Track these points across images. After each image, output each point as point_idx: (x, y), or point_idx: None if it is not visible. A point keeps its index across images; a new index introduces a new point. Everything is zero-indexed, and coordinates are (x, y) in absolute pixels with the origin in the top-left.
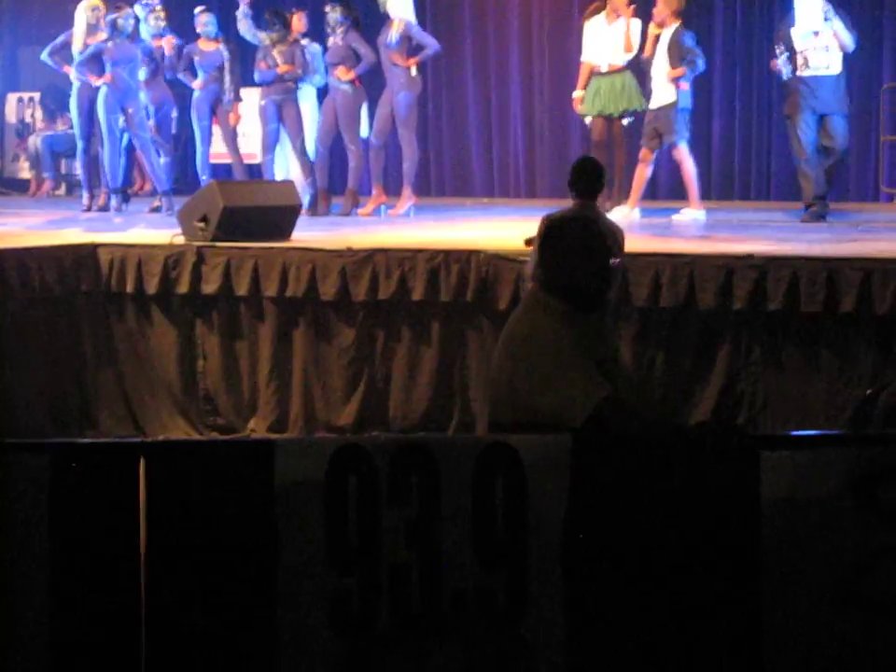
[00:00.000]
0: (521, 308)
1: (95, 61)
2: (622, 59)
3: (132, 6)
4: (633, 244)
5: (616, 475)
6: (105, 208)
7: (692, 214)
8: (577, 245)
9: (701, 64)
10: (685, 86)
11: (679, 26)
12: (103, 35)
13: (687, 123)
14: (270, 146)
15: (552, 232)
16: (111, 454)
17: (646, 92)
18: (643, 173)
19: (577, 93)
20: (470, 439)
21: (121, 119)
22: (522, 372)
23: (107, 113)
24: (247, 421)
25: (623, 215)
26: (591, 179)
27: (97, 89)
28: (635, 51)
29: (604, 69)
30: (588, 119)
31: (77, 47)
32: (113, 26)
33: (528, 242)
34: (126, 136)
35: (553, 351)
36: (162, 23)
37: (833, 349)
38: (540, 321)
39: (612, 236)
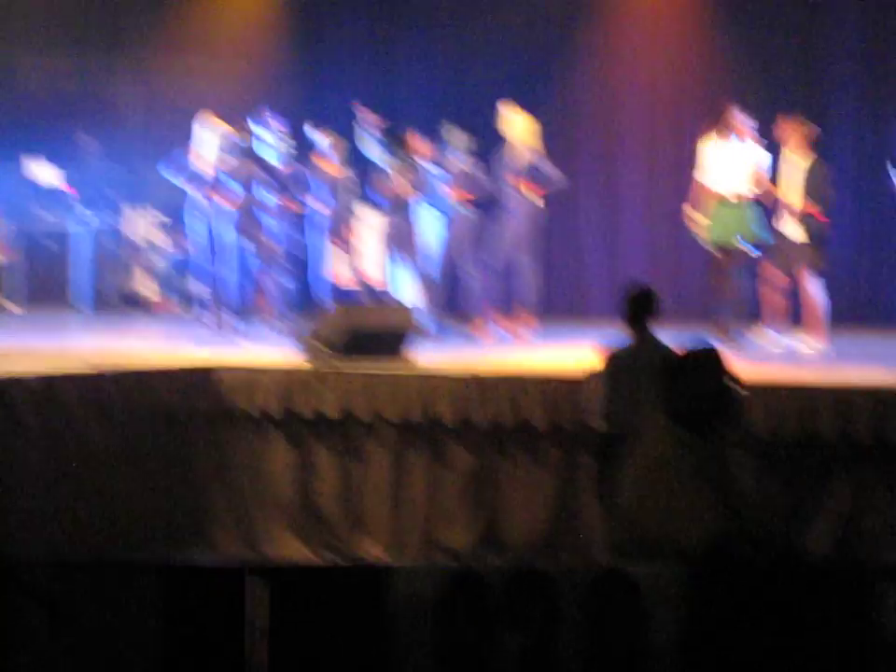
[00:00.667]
0: (645, 436)
1: (218, 180)
2: (748, 188)
3: (253, 124)
4: (752, 372)
5: (734, 606)
6: (226, 328)
7: (813, 343)
8: (696, 372)
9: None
10: (823, 218)
11: (818, 159)
12: (223, 154)
13: (820, 253)
14: (390, 268)
15: (681, 367)
16: (226, 575)
17: (772, 218)
18: (769, 295)
19: (697, 217)
20: (588, 566)
21: (244, 239)
22: (646, 500)
23: (231, 232)
24: (362, 543)
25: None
26: (647, 307)
27: (219, 208)
28: (764, 183)
29: (730, 197)
30: (710, 247)
31: (198, 164)
32: (241, 146)
33: (590, 375)
34: (248, 256)
35: (676, 479)
36: (284, 144)
37: None
38: (665, 449)
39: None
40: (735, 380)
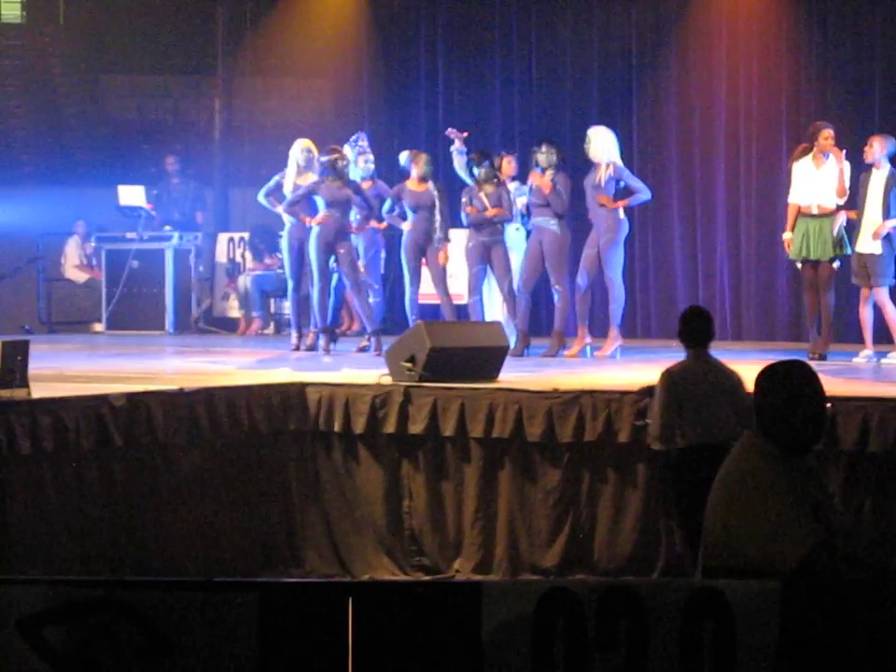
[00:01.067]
0: (735, 452)
1: (307, 201)
2: (832, 202)
3: (342, 147)
4: (840, 387)
5: (827, 622)
6: (313, 347)
7: None
8: (794, 390)
9: None
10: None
11: (894, 171)
12: (313, 176)
13: (892, 266)
14: (477, 287)
15: (764, 384)
16: (320, 594)
17: (854, 233)
18: (864, 313)
19: (786, 235)
20: (678, 583)
21: (332, 259)
22: (735, 517)
23: (319, 252)
24: (453, 561)
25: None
26: (705, 328)
27: (307, 229)
28: (846, 195)
29: (814, 211)
30: (798, 263)
31: (288, 187)
32: (330, 168)
33: (643, 394)
34: (335, 276)
35: (767, 495)
36: (371, 166)
37: None
38: (755, 465)
39: (734, 379)
40: (823, 394)
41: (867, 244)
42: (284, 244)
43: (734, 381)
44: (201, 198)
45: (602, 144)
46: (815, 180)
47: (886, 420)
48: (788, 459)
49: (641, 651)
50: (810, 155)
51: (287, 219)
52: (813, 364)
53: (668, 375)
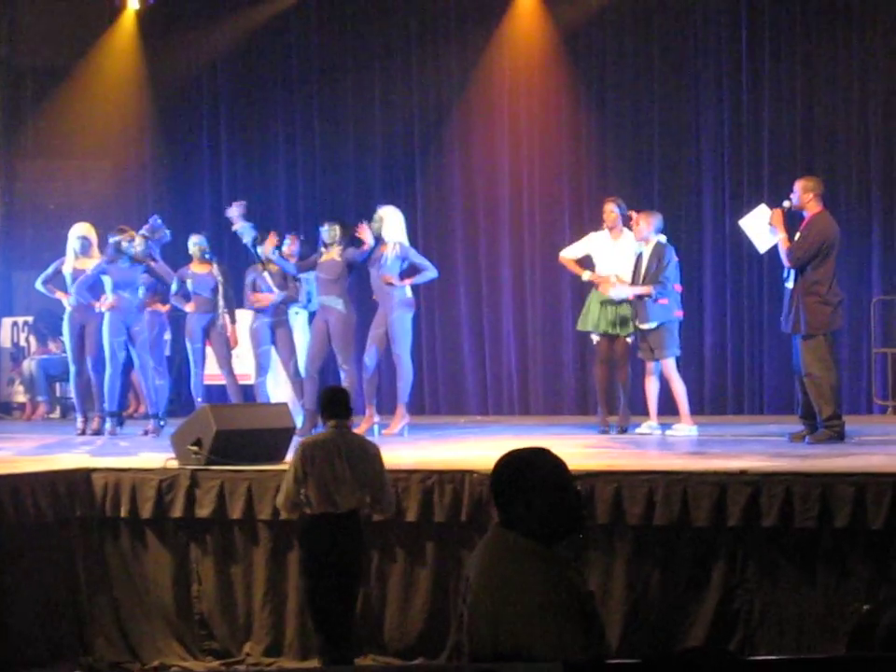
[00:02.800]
0: (483, 548)
1: (95, 283)
2: (629, 277)
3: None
4: (627, 461)
5: None
6: (99, 432)
7: (684, 429)
8: (548, 480)
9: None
10: (664, 300)
11: (659, 242)
12: (92, 261)
13: (674, 337)
14: (263, 368)
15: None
16: None
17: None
18: (649, 385)
19: (586, 275)
20: (462, 668)
21: (120, 343)
22: (502, 612)
23: (112, 336)
24: (243, 645)
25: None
26: (342, 403)
27: (90, 313)
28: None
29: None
30: (594, 338)
31: (67, 269)
32: (116, 249)
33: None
34: (124, 359)
35: (530, 592)
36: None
37: (828, 564)
38: (505, 560)
39: (371, 453)
40: (570, 479)
41: (643, 319)
42: (65, 328)
43: (370, 453)
44: None
45: (390, 223)
46: (613, 254)
47: (670, 493)
48: (541, 550)
49: None
50: (606, 230)
51: (68, 303)
52: (611, 437)
53: (302, 447)
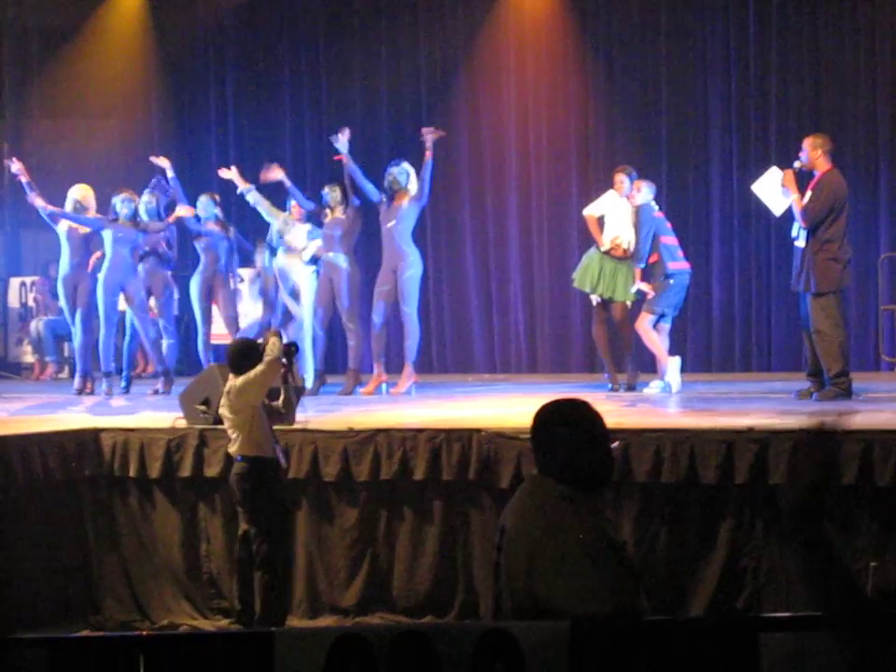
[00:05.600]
0: (521, 495)
1: (89, 240)
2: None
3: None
4: (635, 418)
5: (615, 664)
6: (107, 391)
7: (659, 384)
8: (587, 431)
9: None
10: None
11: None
12: (105, 220)
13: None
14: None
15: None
16: (110, 648)
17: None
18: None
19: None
20: (469, 625)
21: (126, 303)
22: (533, 560)
23: (106, 296)
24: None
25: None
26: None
27: (81, 272)
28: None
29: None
30: (594, 298)
31: (62, 229)
32: (116, 207)
33: None
34: (131, 319)
35: (559, 536)
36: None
37: (834, 522)
38: (542, 506)
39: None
40: (606, 431)
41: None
42: (60, 290)
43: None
44: None
45: (411, 177)
46: (627, 217)
47: (677, 451)
48: (578, 497)
49: None
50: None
51: (64, 265)
52: (619, 395)
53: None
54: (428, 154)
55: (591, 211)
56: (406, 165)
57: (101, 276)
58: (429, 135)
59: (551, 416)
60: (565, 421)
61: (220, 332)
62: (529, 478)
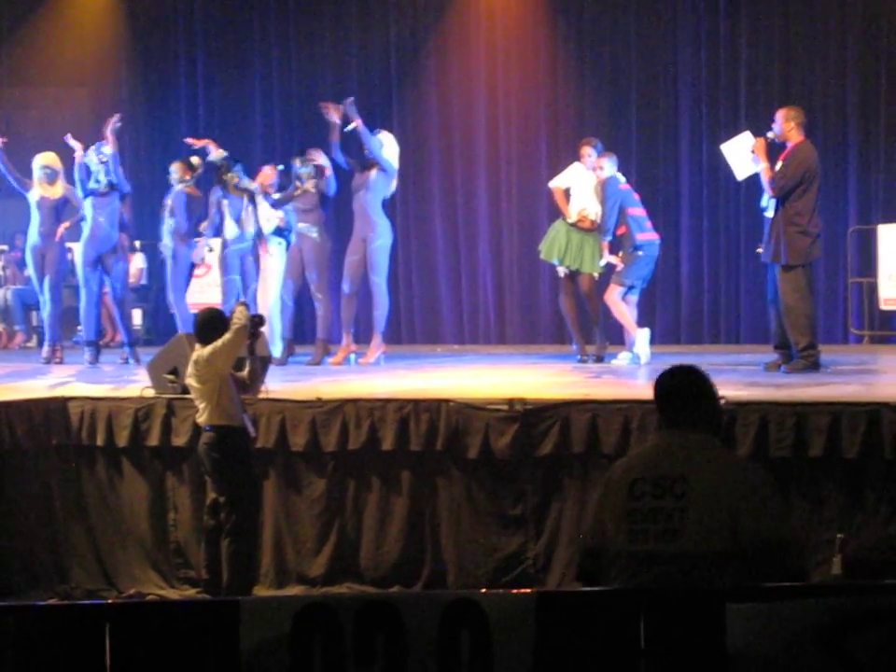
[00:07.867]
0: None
1: (59, 210)
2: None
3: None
4: (603, 389)
5: (580, 632)
6: (62, 361)
7: (628, 355)
8: (713, 388)
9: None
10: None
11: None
12: (58, 189)
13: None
14: (231, 294)
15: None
16: (75, 617)
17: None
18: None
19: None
20: (434, 595)
21: (96, 271)
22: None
23: (86, 265)
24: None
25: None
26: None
27: (50, 241)
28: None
29: (574, 219)
30: (561, 270)
31: (34, 197)
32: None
33: None
34: (99, 287)
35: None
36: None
37: (803, 493)
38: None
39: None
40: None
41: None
42: (28, 259)
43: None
44: None
45: (391, 147)
46: (591, 189)
47: (645, 422)
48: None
49: (399, 664)
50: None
51: (33, 235)
52: (587, 366)
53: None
54: (357, 122)
55: (557, 183)
56: (381, 136)
57: (80, 245)
58: (333, 112)
59: (689, 376)
60: (700, 380)
61: (193, 300)
62: (660, 434)
